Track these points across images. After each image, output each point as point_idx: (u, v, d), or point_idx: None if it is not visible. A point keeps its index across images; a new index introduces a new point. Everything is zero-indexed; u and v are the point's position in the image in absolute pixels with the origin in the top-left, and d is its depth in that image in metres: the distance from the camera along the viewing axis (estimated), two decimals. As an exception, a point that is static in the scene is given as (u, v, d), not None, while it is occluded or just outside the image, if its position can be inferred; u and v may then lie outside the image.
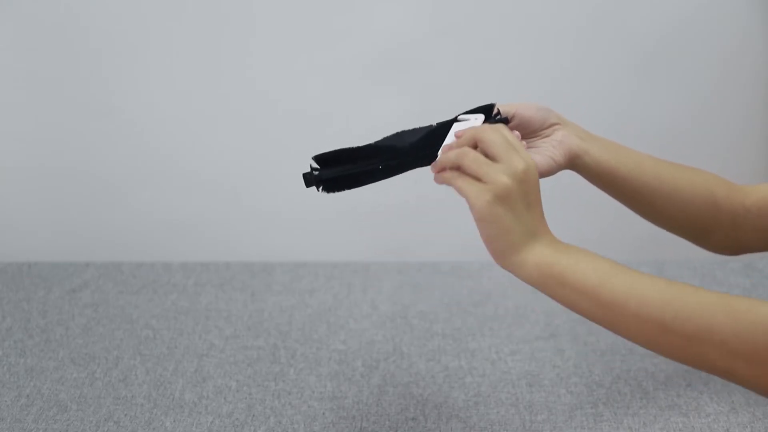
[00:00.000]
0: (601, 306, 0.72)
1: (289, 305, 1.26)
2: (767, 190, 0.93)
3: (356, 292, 1.29)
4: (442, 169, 0.78)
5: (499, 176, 0.73)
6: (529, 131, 0.88)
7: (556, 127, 0.89)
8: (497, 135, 0.75)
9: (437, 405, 1.01)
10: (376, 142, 0.83)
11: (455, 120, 0.84)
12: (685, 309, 0.68)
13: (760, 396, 1.00)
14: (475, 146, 0.76)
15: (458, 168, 0.76)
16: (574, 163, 0.89)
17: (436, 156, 0.84)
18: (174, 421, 0.98)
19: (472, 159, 0.74)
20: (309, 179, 0.83)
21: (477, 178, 0.74)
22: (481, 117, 0.82)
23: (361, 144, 0.83)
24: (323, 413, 1.00)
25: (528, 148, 0.88)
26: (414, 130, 0.84)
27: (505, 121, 0.85)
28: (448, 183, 0.77)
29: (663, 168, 0.91)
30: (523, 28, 1.59)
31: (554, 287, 0.73)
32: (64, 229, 1.71)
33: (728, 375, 0.69)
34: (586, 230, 1.74)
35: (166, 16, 1.56)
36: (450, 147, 0.78)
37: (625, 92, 1.64)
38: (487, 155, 0.75)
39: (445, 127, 0.84)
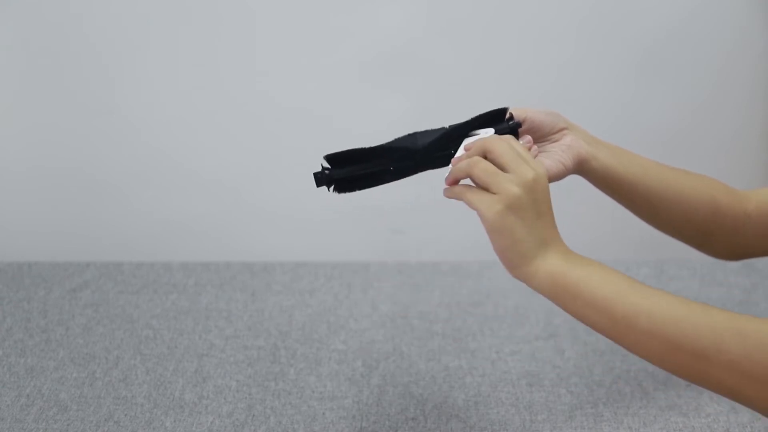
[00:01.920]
0: (611, 320, 0.71)
1: (289, 305, 1.26)
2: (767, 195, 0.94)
3: (356, 292, 1.29)
4: (454, 181, 0.78)
5: (510, 186, 0.73)
6: (538, 135, 0.89)
7: (565, 131, 0.89)
8: (506, 145, 0.76)
9: (437, 405, 1.01)
10: (389, 143, 0.83)
11: (468, 125, 0.84)
12: (694, 327, 0.68)
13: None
14: (484, 157, 0.76)
15: (468, 178, 0.76)
16: (582, 167, 0.89)
17: (449, 159, 0.84)
18: (174, 421, 0.98)
19: (482, 169, 0.74)
20: (320, 178, 0.82)
21: (487, 189, 0.74)
22: (491, 130, 0.82)
23: (370, 144, 0.83)
24: (323, 413, 1.00)
25: (538, 152, 0.89)
26: (426, 131, 0.84)
27: (518, 125, 0.85)
28: (458, 197, 0.77)
29: (667, 173, 0.92)
30: (523, 28, 1.59)
31: (566, 298, 0.73)
32: (64, 229, 1.71)
33: (735, 395, 0.69)
34: (587, 230, 1.74)
35: (166, 16, 1.56)
36: (460, 159, 0.78)
37: (625, 92, 1.64)
38: (496, 165, 0.75)
39: (458, 130, 0.84)
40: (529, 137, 0.86)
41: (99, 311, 1.24)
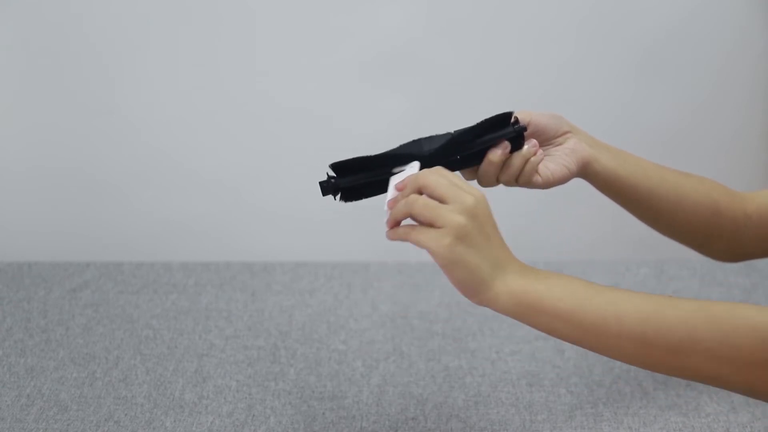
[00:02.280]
0: (580, 329, 0.71)
1: (289, 305, 1.26)
2: (767, 197, 0.94)
3: (356, 292, 1.30)
4: (395, 223, 0.76)
5: (453, 216, 0.72)
6: (542, 139, 0.89)
7: (568, 135, 0.89)
8: (438, 176, 0.75)
9: (437, 405, 1.01)
10: (394, 150, 0.82)
11: (473, 130, 0.83)
12: (665, 322, 0.69)
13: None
14: (420, 193, 0.75)
15: (409, 217, 0.75)
16: (585, 170, 0.89)
17: (455, 165, 0.83)
18: (174, 421, 0.98)
19: (422, 205, 0.73)
20: (326, 187, 0.81)
21: (431, 224, 0.73)
22: (416, 164, 0.81)
23: (373, 148, 0.82)
24: (323, 413, 1.00)
25: (543, 155, 0.89)
26: (432, 137, 0.83)
27: (523, 129, 0.85)
28: (404, 238, 0.75)
29: (668, 176, 0.92)
30: (523, 28, 1.59)
31: (531, 315, 0.73)
32: (64, 229, 1.71)
33: (715, 381, 0.69)
34: (587, 230, 1.74)
35: (166, 16, 1.56)
36: (395, 200, 0.77)
37: (625, 92, 1.64)
38: (434, 199, 0.74)
39: (463, 135, 0.83)
40: (534, 141, 0.86)
41: (99, 311, 1.24)
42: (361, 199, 0.83)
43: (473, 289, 0.73)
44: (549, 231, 1.72)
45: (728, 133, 1.69)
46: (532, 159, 0.86)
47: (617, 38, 1.60)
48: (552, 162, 0.88)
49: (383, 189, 0.83)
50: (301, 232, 1.72)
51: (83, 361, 1.11)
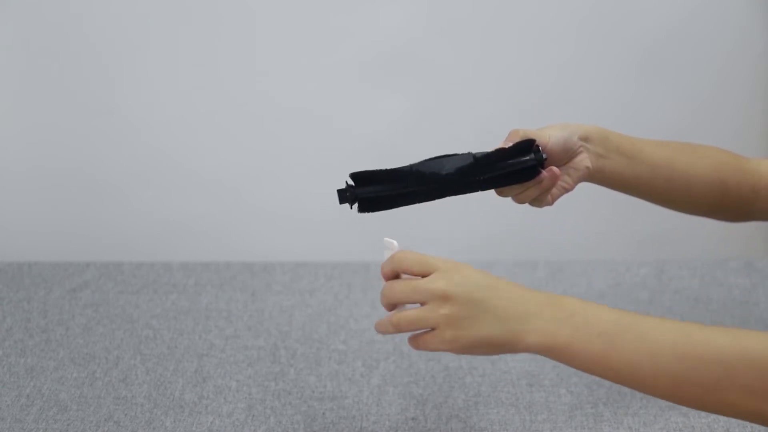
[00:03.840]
0: (614, 371, 0.70)
1: (289, 305, 1.26)
2: None
3: (356, 292, 1.29)
4: (391, 330, 0.75)
5: (434, 313, 0.71)
6: (556, 164, 0.90)
7: (579, 150, 0.90)
8: (401, 288, 0.74)
9: (437, 405, 1.01)
10: (416, 166, 0.82)
11: (494, 154, 0.85)
12: (701, 360, 0.66)
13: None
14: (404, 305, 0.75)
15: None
16: (588, 180, 0.92)
17: (477, 186, 0.84)
18: (174, 421, 0.98)
19: (408, 322, 0.73)
20: (343, 196, 0.81)
21: (427, 327, 0.73)
22: (394, 244, 0.77)
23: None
24: (323, 413, 1.00)
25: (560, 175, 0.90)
26: (452, 156, 0.83)
27: (543, 158, 0.86)
28: (423, 349, 0.75)
29: (677, 167, 0.93)
30: (523, 28, 1.59)
31: (563, 360, 0.71)
32: (64, 229, 1.71)
33: (754, 417, 0.67)
34: (587, 230, 1.74)
35: (166, 16, 1.56)
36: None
37: (625, 92, 1.64)
38: (416, 301, 0.73)
39: (485, 158, 0.84)
40: (555, 171, 0.88)
41: (99, 311, 1.24)
42: (377, 211, 0.83)
43: (503, 350, 0.72)
44: (549, 231, 1.72)
45: (728, 133, 1.69)
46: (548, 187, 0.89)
47: (617, 38, 1.60)
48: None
49: (400, 203, 0.83)
50: (301, 232, 1.72)
51: (83, 361, 1.11)
